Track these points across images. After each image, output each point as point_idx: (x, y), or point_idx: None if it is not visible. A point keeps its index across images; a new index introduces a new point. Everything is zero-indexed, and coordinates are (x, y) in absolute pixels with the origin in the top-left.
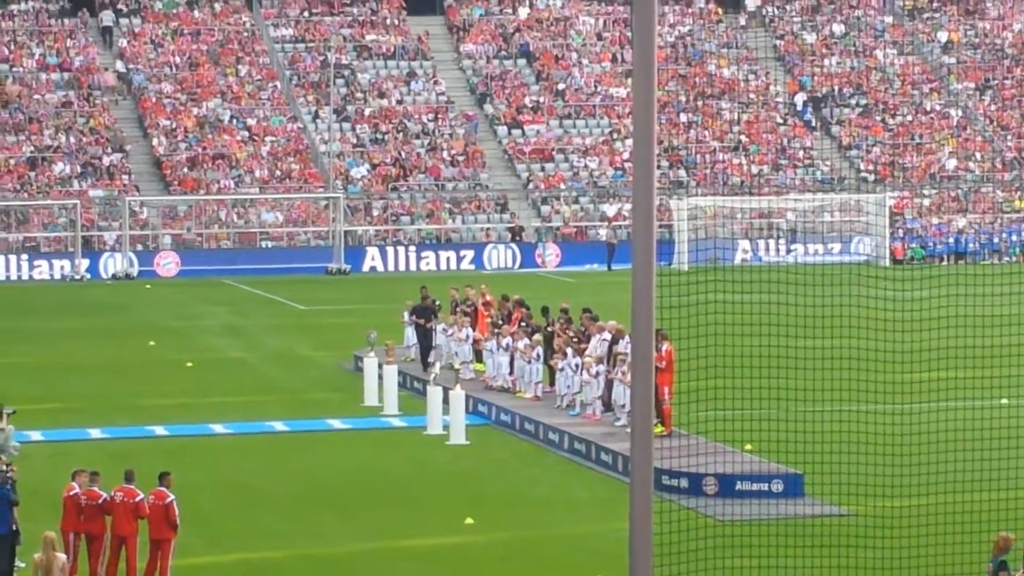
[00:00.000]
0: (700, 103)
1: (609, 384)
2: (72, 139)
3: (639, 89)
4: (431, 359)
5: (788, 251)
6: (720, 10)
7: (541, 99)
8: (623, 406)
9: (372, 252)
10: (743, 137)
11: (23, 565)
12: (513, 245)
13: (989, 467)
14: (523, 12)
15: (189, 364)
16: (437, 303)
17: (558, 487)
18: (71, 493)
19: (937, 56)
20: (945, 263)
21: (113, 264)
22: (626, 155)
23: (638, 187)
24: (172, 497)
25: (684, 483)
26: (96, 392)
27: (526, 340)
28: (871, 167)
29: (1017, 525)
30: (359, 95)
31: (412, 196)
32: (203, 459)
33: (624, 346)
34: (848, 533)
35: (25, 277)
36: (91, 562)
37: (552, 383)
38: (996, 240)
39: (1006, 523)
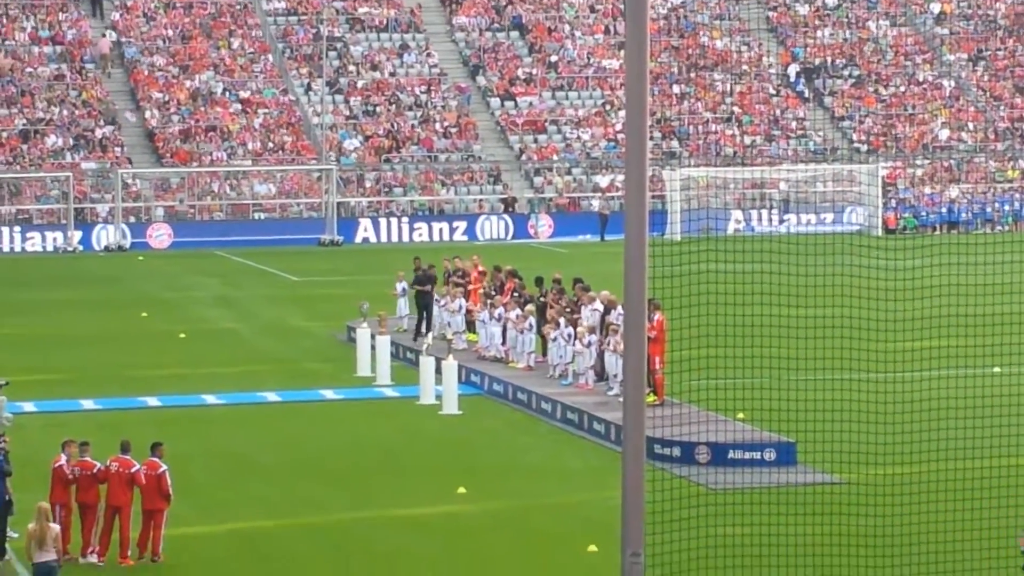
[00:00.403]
0: (693, 74)
1: (601, 354)
2: (65, 112)
3: (632, 61)
4: (423, 331)
5: (781, 221)
6: None
7: (534, 71)
8: (615, 376)
9: (365, 223)
10: (736, 108)
11: (16, 535)
12: (506, 216)
13: (981, 435)
14: None
15: (182, 335)
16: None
17: (551, 456)
18: (57, 464)
19: (930, 27)
20: (938, 233)
21: (106, 236)
22: (619, 126)
23: (631, 158)
24: (165, 467)
25: (676, 452)
26: (88, 363)
27: (518, 310)
28: (864, 138)
29: (1009, 492)
30: (352, 68)
31: (405, 167)
32: (195, 429)
33: (616, 316)
34: (840, 501)
35: (18, 249)
36: (84, 532)
37: (545, 353)
38: (989, 210)
39: (998, 491)
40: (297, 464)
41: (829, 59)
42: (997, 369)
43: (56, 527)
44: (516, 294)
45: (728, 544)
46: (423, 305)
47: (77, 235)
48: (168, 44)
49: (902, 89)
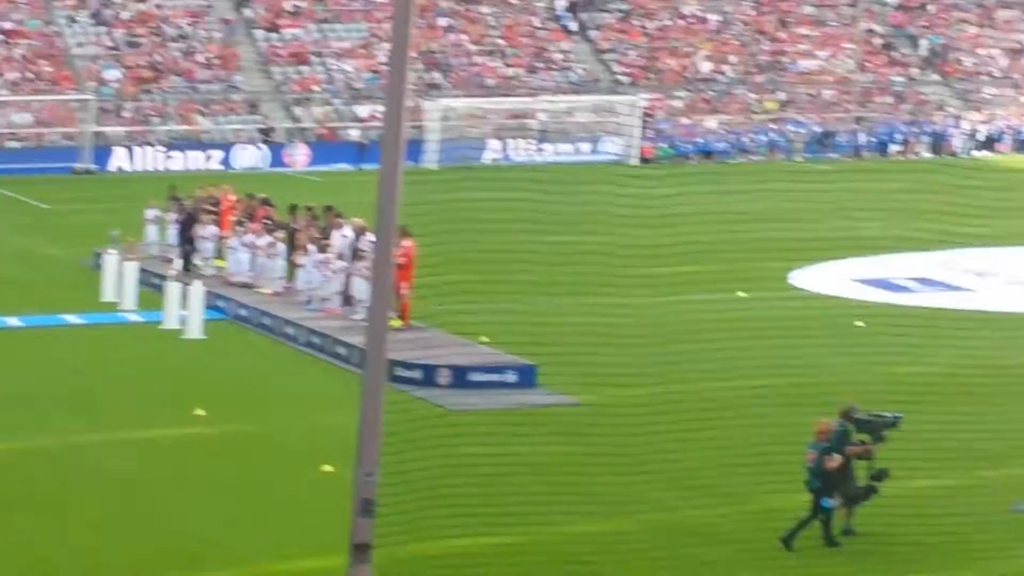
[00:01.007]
0: (461, 8)
1: (350, 279)
2: None
3: None
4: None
5: (538, 151)
6: None
7: (301, 3)
8: (361, 300)
9: (119, 152)
10: (500, 41)
11: None
12: (262, 146)
13: (722, 358)
14: None
15: None
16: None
17: (293, 380)
18: None
19: None
20: (693, 162)
21: None
22: (383, 58)
23: (392, 88)
24: None
25: (418, 374)
26: None
27: (268, 237)
28: (627, 70)
29: (744, 412)
30: (117, 1)
31: (164, 98)
32: None
33: (365, 243)
34: (579, 422)
35: None
36: None
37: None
38: (745, 140)
39: (734, 411)
40: (32, 388)
41: None
42: (742, 294)
43: None
44: (268, 220)
45: (466, 464)
46: (185, 240)
47: None
48: None
49: (668, 23)
